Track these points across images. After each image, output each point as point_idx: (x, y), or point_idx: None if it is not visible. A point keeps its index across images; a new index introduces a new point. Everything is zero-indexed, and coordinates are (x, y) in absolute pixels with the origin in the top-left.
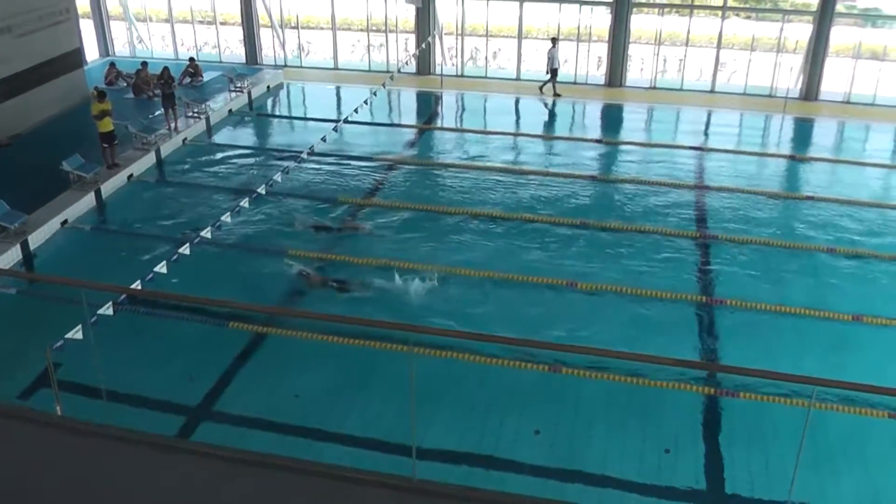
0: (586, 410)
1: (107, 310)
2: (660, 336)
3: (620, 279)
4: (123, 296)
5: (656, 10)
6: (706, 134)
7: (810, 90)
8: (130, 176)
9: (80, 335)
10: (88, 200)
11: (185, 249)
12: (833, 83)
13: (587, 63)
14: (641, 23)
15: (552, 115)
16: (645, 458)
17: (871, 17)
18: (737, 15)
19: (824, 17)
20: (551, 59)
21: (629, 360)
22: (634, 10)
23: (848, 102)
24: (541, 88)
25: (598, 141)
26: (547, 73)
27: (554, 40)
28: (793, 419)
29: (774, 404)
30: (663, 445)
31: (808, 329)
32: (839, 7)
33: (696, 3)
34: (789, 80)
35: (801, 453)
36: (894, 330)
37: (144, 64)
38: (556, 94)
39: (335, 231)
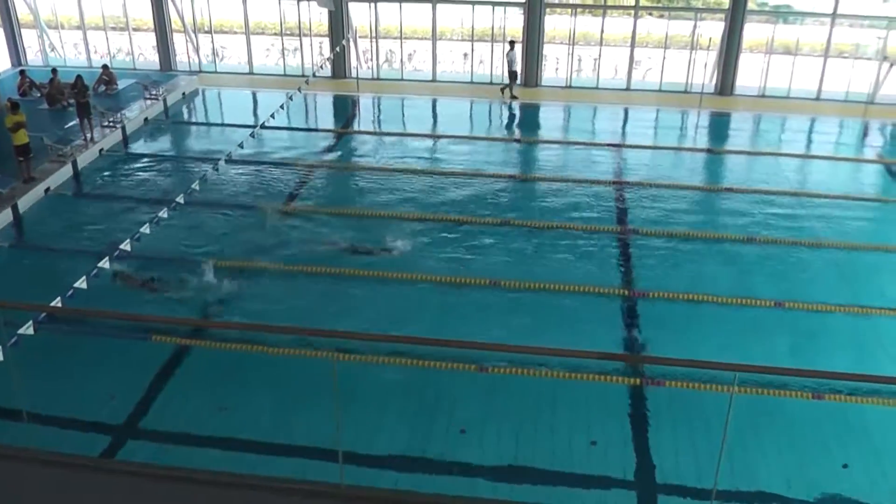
0: (513, 407)
1: (27, 329)
2: (584, 329)
3: (543, 275)
4: (44, 314)
5: (569, 10)
6: (623, 131)
7: (725, 85)
8: (47, 189)
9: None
10: (5, 216)
11: (104, 263)
12: (748, 78)
13: (502, 63)
14: (555, 23)
15: (469, 116)
16: (573, 450)
17: (782, 14)
18: (650, 14)
19: (736, 15)
20: (510, 61)
21: (553, 356)
22: (548, 10)
23: (763, 96)
24: (502, 91)
25: (516, 140)
26: (506, 75)
27: (512, 43)
28: (717, 405)
29: (698, 391)
30: (590, 437)
31: (730, 317)
32: (750, 4)
33: (609, 3)
34: (704, 76)
35: (724, 439)
36: (814, 314)
37: (55, 72)
38: (513, 97)
39: (372, 254)
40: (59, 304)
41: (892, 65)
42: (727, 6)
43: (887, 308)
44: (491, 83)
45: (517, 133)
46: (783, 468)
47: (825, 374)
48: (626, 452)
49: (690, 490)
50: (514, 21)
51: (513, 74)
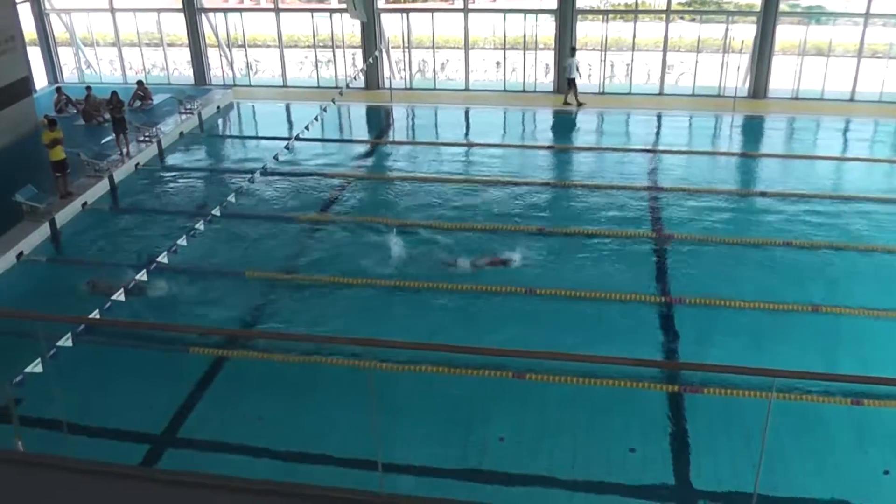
0: (551, 414)
1: (66, 342)
2: (620, 337)
3: (579, 282)
4: (82, 326)
5: (601, 16)
6: (657, 136)
7: (758, 88)
8: (84, 204)
9: (39, 368)
10: (43, 231)
11: (142, 276)
12: (781, 80)
13: (535, 71)
14: (587, 29)
15: (503, 124)
16: (612, 458)
17: (814, 15)
18: (681, 18)
19: (768, 17)
20: (568, 68)
21: (591, 363)
22: (579, 17)
23: (796, 98)
24: (565, 100)
25: (550, 147)
26: (566, 83)
27: (572, 49)
28: (756, 412)
29: (737, 398)
30: (628, 445)
31: (768, 322)
32: (783, 6)
33: (640, 7)
34: (737, 79)
35: (764, 445)
36: (852, 319)
37: (89, 89)
38: (580, 104)
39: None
40: (97, 317)
41: None
42: (759, 8)
43: None
44: (524, 91)
45: (575, 140)
46: (822, 474)
47: (864, 380)
48: (665, 460)
49: (729, 497)
50: (545, 28)
51: (570, 81)
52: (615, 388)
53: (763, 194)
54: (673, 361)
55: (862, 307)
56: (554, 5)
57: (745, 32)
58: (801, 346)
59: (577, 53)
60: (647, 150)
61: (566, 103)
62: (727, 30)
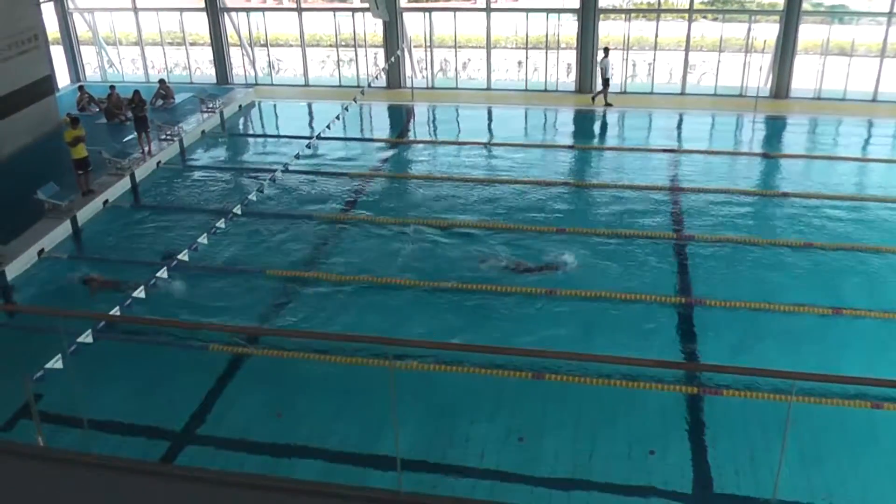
0: (571, 415)
1: (86, 338)
2: (640, 338)
3: (601, 283)
4: (103, 323)
5: (623, 15)
6: (679, 135)
7: (780, 88)
8: (106, 202)
9: (60, 364)
10: (65, 229)
11: (162, 273)
12: (803, 80)
13: (556, 70)
14: (609, 29)
15: (524, 123)
16: (632, 461)
17: (837, 14)
18: (704, 17)
19: (791, 16)
20: (604, 68)
21: (610, 364)
22: (601, 16)
23: (819, 98)
24: (593, 98)
25: (571, 147)
26: (600, 83)
27: (606, 50)
28: (776, 414)
29: (757, 400)
30: (648, 447)
31: (790, 324)
32: (805, 5)
33: (663, 6)
34: (759, 79)
35: (784, 447)
36: (873, 321)
37: (113, 87)
38: (608, 104)
39: (535, 271)
40: (118, 313)
41: None
42: (782, 8)
43: None
44: (545, 90)
45: (605, 140)
46: (842, 478)
47: (885, 383)
48: (685, 462)
49: (749, 501)
50: (568, 28)
51: (606, 82)
52: (635, 389)
53: (785, 195)
54: (691, 363)
55: (880, 309)
56: (576, 4)
57: (768, 32)
58: (826, 348)
59: (610, 54)
60: (670, 150)
61: (594, 101)
62: (749, 29)
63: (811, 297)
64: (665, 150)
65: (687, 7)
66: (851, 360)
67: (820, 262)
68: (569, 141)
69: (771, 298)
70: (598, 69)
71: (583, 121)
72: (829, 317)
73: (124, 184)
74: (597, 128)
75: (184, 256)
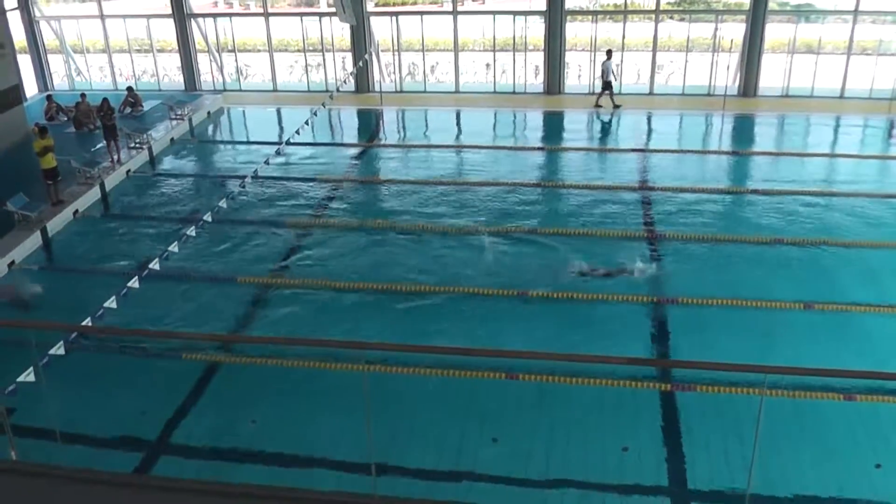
0: (544, 414)
1: (59, 350)
2: (609, 338)
3: (571, 285)
4: (74, 334)
5: (590, 17)
6: (648, 135)
7: (748, 87)
8: (76, 212)
9: (32, 377)
10: (35, 240)
11: (134, 283)
12: (771, 78)
13: (525, 72)
14: (577, 30)
15: (493, 125)
16: (606, 458)
17: (803, 13)
18: (670, 18)
19: (757, 15)
20: (605, 71)
21: (581, 363)
22: (568, 18)
23: (786, 96)
24: (595, 103)
25: (541, 149)
26: (602, 85)
27: (609, 52)
28: (749, 409)
29: (730, 395)
30: (622, 444)
31: (760, 320)
32: (772, 4)
33: (630, 7)
34: (727, 78)
35: (757, 440)
36: (844, 315)
37: (83, 96)
38: (616, 106)
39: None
40: (89, 324)
41: None
42: (748, 7)
43: None
44: (514, 92)
45: (542, 142)
46: (816, 470)
47: (855, 374)
48: (659, 458)
49: (724, 495)
50: (535, 29)
51: (607, 84)
52: (609, 387)
53: (755, 192)
54: (664, 360)
55: (854, 302)
56: (543, 6)
57: (735, 31)
58: (798, 341)
59: (614, 55)
60: (639, 150)
61: (597, 106)
62: (716, 29)
63: (780, 292)
64: (635, 150)
65: (653, 8)
66: (824, 353)
67: (790, 258)
68: (538, 143)
69: (742, 294)
70: (600, 71)
71: (552, 122)
72: (800, 311)
73: (94, 193)
74: (566, 129)
75: (155, 265)
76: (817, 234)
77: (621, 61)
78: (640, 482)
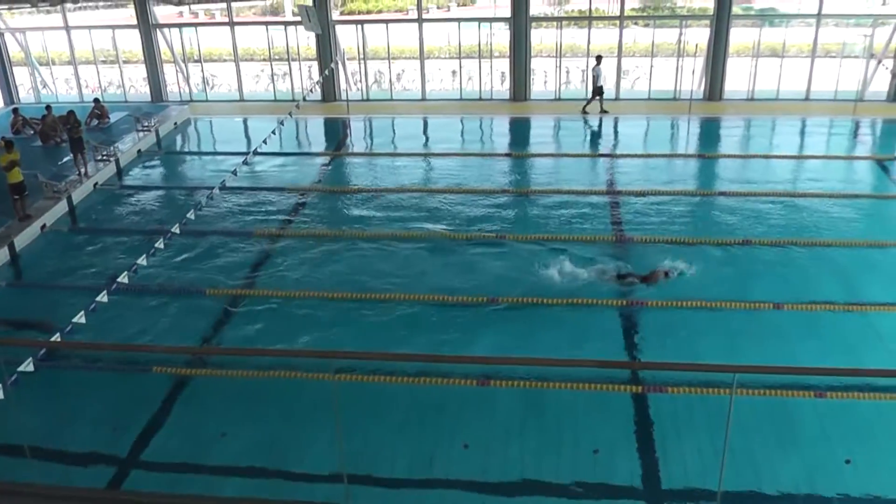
0: (516, 420)
1: (27, 367)
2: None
3: (543, 290)
4: (43, 351)
5: (555, 23)
6: (615, 140)
7: (714, 91)
8: (43, 226)
9: (1, 395)
10: (2, 255)
11: (102, 297)
12: (736, 82)
13: (491, 79)
14: (542, 36)
15: (460, 132)
16: (578, 461)
17: (767, 17)
18: (635, 23)
19: (721, 20)
20: (595, 77)
21: (553, 367)
22: (533, 24)
23: (752, 99)
24: (583, 108)
25: (507, 155)
26: (591, 91)
27: (598, 58)
28: (720, 408)
29: (701, 395)
30: (594, 447)
31: (730, 320)
32: (735, 9)
33: (594, 14)
34: (693, 82)
35: (727, 439)
36: (812, 314)
37: (49, 108)
38: (604, 111)
39: (641, 281)
40: (59, 340)
41: (879, 62)
42: (712, 12)
43: (883, 304)
44: (480, 99)
45: (509, 149)
46: (788, 467)
47: (824, 371)
48: (632, 460)
49: (697, 493)
50: (500, 36)
51: (598, 89)
52: (581, 391)
53: (723, 194)
54: (633, 362)
55: (819, 301)
56: (508, 13)
57: (699, 36)
58: (768, 342)
59: (603, 61)
60: (606, 155)
61: (585, 112)
62: (681, 34)
63: (750, 293)
64: (602, 155)
65: (618, 14)
66: (798, 352)
67: (759, 258)
68: (505, 149)
69: (711, 296)
70: (591, 76)
71: (519, 128)
72: (770, 311)
73: (61, 207)
74: (532, 135)
75: (123, 278)
76: (786, 234)
77: (587, 67)
78: (614, 483)
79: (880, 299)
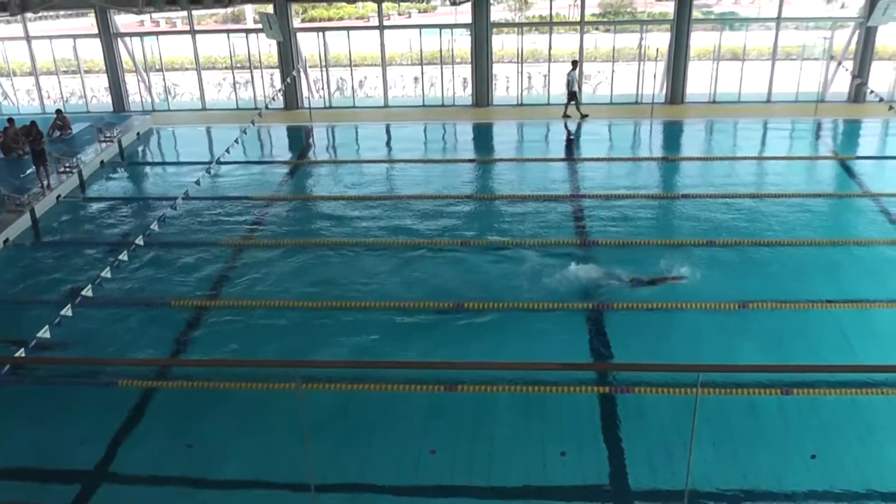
0: (483, 424)
1: None
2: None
3: (507, 295)
4: (7, 367)
5: (516, 29)
6: (578, 144)
7: (675, 94)
8: (6, 240)
9: None
10: None
11: (67, 311)
12: (698, 85)
13: (453, 85)
14: (504, 42)
15: (423, 139)
16: (547, 463)
17: (727, 21)
18: (596, 29)
19: (682, 25)
20: (570, 81)
21: (519, 370)
22: (494, 30)
23: (714, 102)
24: (564, 113)
25: (471, 160)
26: (567, 96)
27: (574, 63)
28: (687, 407)
29: (667, 395)
30: (562, 449)
31: (696, 321)
32: (696, 13)
33: (555, 19)
34: (654, 86)
35: (693, 437)
36: (776, 313)
37: (11, 121)
38: (583, 115)
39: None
40: (22, 355)
41: (839, 63)
42: (672, 17)
43: (845, 301)
44: (443, 105)
45: (473, 154)
46: (755, 464)
47: (787, 369)
48: (601, 461)
49: (666, 493)
50: (462, 42)
51: (573, 94)
52: (548, 394)
53: (685, 196)
54: (601, 363)
55: (782, 300)
56: (469, 19)
57: (660, 40)
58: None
59: (578, 66)
60: (570, 160)
61: (566, 116)
62: (642, 38)
63: (715, 293)
64: (565, 160)
65: (578, 20)
66: (761, 351)
67: (721, 259)
68: (468, 155)
69: (675, 298)
70: (566, 81)
71: (482, 134)
72: (735, 311)
73: (24, 221)
74: (495, 140)
75: (88, 291)
76: (749, 234)
77: (548, 72)
78: (583, 484)
79: (842, 297)
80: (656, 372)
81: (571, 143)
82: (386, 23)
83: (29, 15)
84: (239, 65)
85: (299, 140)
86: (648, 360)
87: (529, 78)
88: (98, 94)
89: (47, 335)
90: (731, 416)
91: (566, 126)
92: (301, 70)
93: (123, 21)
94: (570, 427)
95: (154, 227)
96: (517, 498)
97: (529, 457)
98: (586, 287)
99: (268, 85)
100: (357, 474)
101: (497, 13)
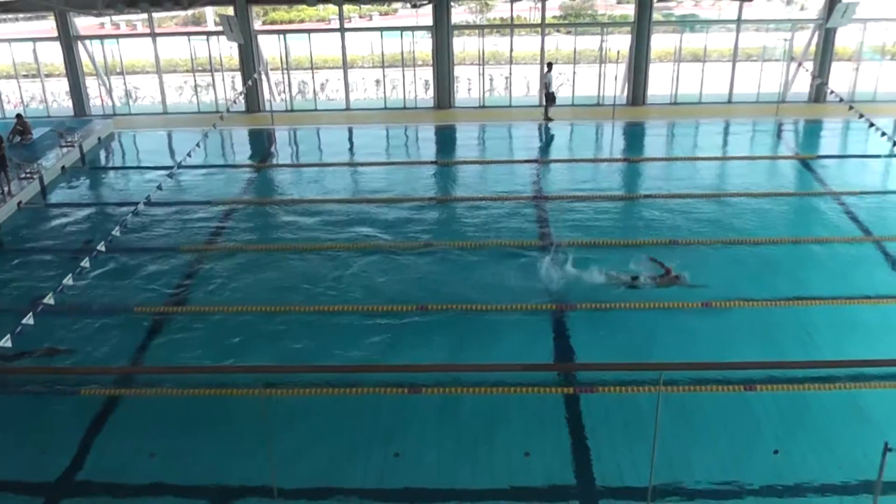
0: (447, 426)
1: None
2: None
3: (470, 296)
4: None
5: (477, 31)
6: (540, 146)
7: (637, 95)
8: None
9: None
10: None
11: (28, 319)
12: (659, 86)
13: (415, 87)
14: (465, 44)
15: (386, 141)
16: (511, 464)
17: (688, 23)
18: (557, 31)
19: (642, 27)
20: (548, 83)
21: (480, 372)
22: (455, 32)
23: (675, 103)
24: (545, 116)
25: (433, 163)
26: (545, 97)
27: (549, 65)
28: (651, 406)
29: (630, 394)
30: (526, 450)
31: (659, 320)
32: (656, 16)
33: (516, 22)
34: (616, 88)
35: (657, 434)
36: (739, 311)
37: None
38: (547, 119)
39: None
40: None
41: (799, 64)
42: (633, 19)
43: (809, 298)
44: (405, 108)
45: (435, 156)
46: (718, 459)
47: (748, 365)
48: (566, 460)
49: (632, 491)
50: (423, 45)
51: (550, 96)
52: (512, 395)
53: (648, 196)
54: (564, 364)
55: (746, 298)
56: (430, 22)
57: (621, 42)
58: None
59: (554, 68)
60: (533, 161)
61: (548, 119)
62: (603, 41)
63: (683, 295)
64: (528, 161)
65: (539, 22)
66: (724, 348)
67: (686, 258)
68: (431, 157)
69: (637, 297)
70: (544, 85)
71: (445, 136)
72: (700, 310)
73: None
74: (458, 142)
75: (49, 299)
76: (710, 234)
77: (510, 74)
78: (549, 484)
79: (803, 293)
80: (619, 371)
81: (535, 144)
82: (347, 25)
83: None
84: (200, 68)
85: (261, 143)
86: (611, 360)
87: (491, 80)
88: (59, 98)
89: (9, 344)
90: (694, 413)
91: (547, 128)
92: (262, 73)
93: (83, 24)
94: (533, 427)
95: (116, 232)
96: (483, 499)
97: (494, 458)
98: (548, 288)
99: (229, 88)
100: (320, 478)
101: (458, 15)
